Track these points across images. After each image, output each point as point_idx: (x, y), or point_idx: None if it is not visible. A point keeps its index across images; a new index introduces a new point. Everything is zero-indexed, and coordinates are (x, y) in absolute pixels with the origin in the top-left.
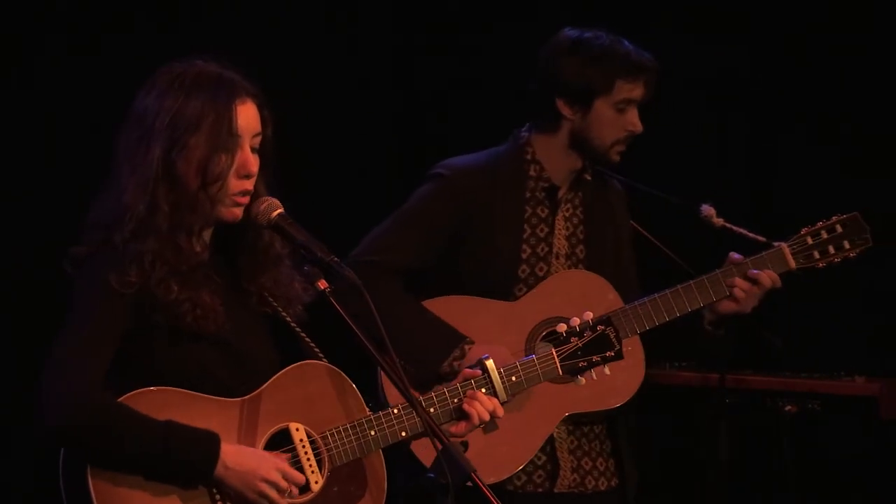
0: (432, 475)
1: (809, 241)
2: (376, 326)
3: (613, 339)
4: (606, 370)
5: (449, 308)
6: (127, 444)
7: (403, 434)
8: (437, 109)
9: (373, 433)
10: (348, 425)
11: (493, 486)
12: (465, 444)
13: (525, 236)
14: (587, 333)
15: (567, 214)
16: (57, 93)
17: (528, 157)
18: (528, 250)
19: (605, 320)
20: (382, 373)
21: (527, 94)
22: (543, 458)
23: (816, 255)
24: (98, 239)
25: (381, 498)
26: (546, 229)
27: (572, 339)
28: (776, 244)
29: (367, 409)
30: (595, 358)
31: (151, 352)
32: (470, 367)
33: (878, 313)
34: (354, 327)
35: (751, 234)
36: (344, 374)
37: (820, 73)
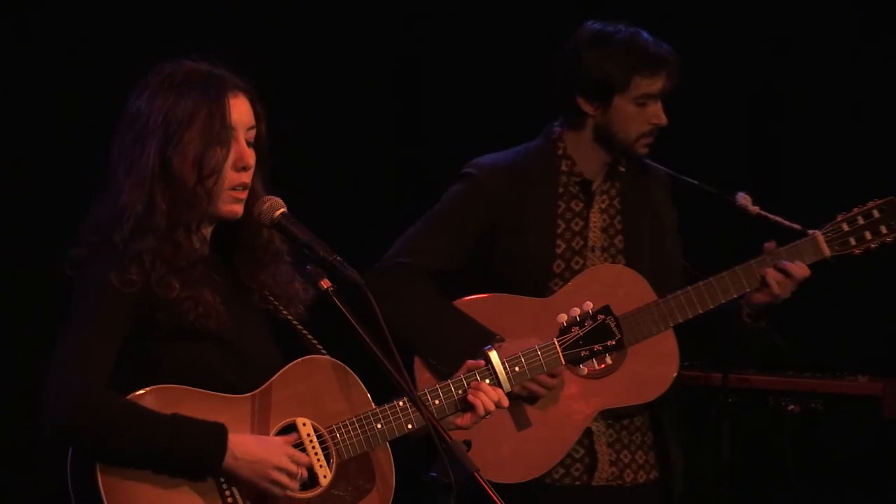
0: (435, 474)
1: (845, 227)
2: (379, 325)
3: (614, 328)
4: (608, 359)
5: (482, 306)
6: (133, 441)
7: (409, 427)
8: (438, 109)
9: (379, 426)
10: (354, 419)
11: (530, 482)
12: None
13: (559, 231)
14: (588, 323)
15: (603, 206)
16: (57, 92)
17: (560, 152)
18: (563, 245)
19: (605, 310)
20: (416, 366)
21: (551, 90)
22: (582, 451)
23: (853, 241)
24: (97, 240)
25: (389, 491)
26: (581, 223)
27: (573, 329)
28: (810, 232)
29: (372, 403)
30: (596, 347)
31: (153, 351)
32: (473, 359)
33: (881, 313)
34: (357, 326)
35: (786, 222)
36: (348, 369)
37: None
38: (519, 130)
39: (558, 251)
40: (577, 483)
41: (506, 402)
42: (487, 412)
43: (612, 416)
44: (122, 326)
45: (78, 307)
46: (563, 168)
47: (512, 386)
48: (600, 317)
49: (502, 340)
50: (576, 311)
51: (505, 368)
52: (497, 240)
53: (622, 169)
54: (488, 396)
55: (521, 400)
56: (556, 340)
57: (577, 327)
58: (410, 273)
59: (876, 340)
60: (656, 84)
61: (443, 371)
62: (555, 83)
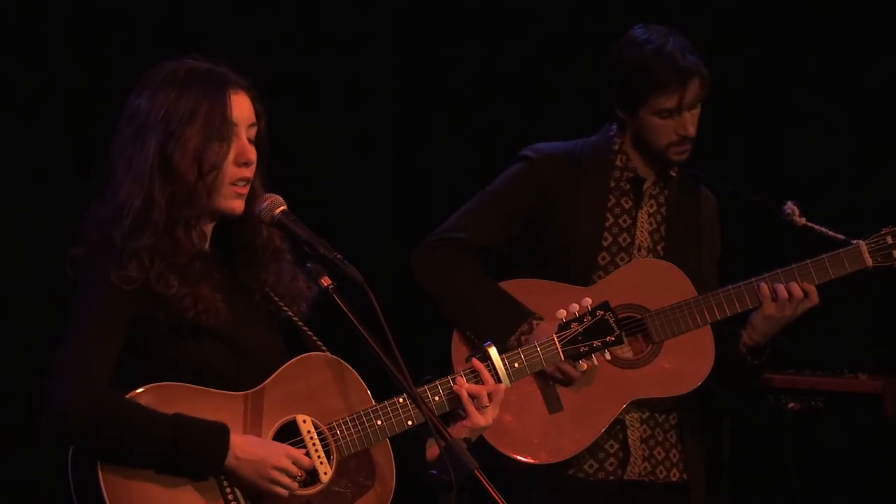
0: (435, 472)
1: (889, 240)
2: (379, 322)
3: (613, 324)
4: (607, 355)
5: (524, 289)
6: (137, 440)
7: (409, 423)
8: (439, 108)
9: (379, 423)
10: (354, 415)
11: (563, 476)
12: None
13: (607, 225)
14: (587, 319)
15: (651, 210)
16: (56, 92)
17: (616, 147)
18: (610, 238)
19: (604, 305)
20: (453, 340)
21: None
22: (616, 445)
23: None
24: (97, 238)
25: (388, 487)
26: (629, 221)
27: (572, 325)
28: (854, 241)
29: (372, 400)
30: (596, 343)
31: (156, 348)
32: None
33: (881, 310)
34: (357, 323)
35: (831, 233)
36: (348, 365)
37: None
38: (522, 131)
39: (605, 243)
40: (611, 478)
41: (500, 396)
42: (479, 402)
43: (647, 412)
44: (124, 325)
45: (79, 306)
46: (618, 163)
47: (511, 382)
48: (599, 312)
49: (541, 319)
50: (575, 308)
51: (504, 365)
52: (546, 225)
53: (673, 174)
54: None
55: (555, 382)
56: (555, 336)
57: (577, 323)
58: (461, 249)
59: (876, 338)
60: (672, 100)
61: (480, 346)
62: (599, 88)
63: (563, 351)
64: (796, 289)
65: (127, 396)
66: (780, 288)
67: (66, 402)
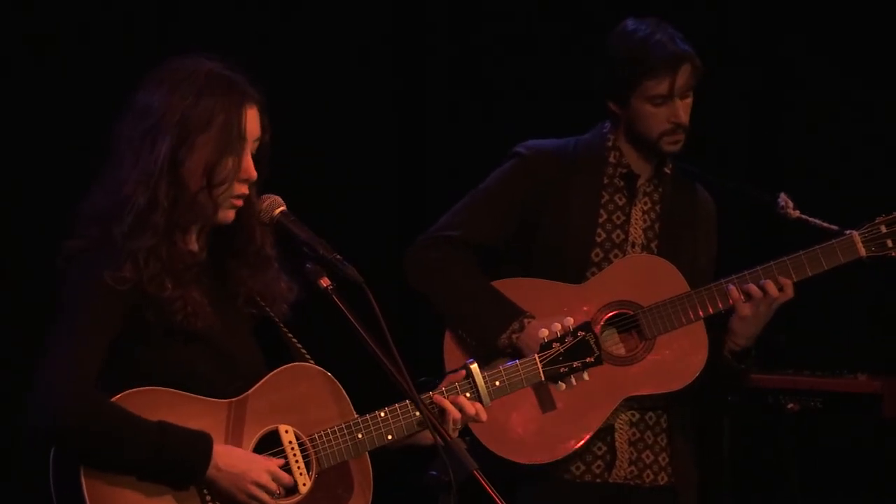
0: (434, 473)
1: (883, 229)
2: (379, 324)
3: (593, 345)
4: (585, 376)
5: (517, 288)
6: (120, 446)
7: (390, 437)
8: (439, 107)
9: (360, 436)
10: (336, 428)
11: (549, 477)
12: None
13: (600, 221)
14: (568, 339)
15: (645, 208)
16: (56, 90)
17: (609, 144)
18: (603, 235)
19: (585, 326)
20: (445, 340)
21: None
22: (604, 448)
23: (890, 243)
24: (95, 233)
25: (366, 500)
26: (623, 217)
27: (554, 345)
28: (847, 232)
29: (354, 412)
30: (576, 364)
31: (141, 350)
32: (454, 372)
33: (881, 311)
34: (356, 324)
35: (824, 224)
36: (332, 377)
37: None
38: (523, 130)
39: (598, 240)
40: (598, 480)
41: (484, 417)
42: (455, 423)
43: (637, 414)
44: (113, 326)
45: (69, 304)
46: (612, 160)
47: (492, 400)
48: (580, 333)
49: (532, 317)
50: (557, 327)
51: (486, 383)
52: (539, 222)
53: (667, 171)
54: (465, 410)
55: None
56: (536, 356)
57: (558, 343)
58: (455, 247)
59: (877, 338)
60: (663, 85)
61: (472, 345)
62: (592, 84)
63: (543, 371)
64: (770, 286)
65: (112, 400)
66: (752, 287)
67: (55, 404)
